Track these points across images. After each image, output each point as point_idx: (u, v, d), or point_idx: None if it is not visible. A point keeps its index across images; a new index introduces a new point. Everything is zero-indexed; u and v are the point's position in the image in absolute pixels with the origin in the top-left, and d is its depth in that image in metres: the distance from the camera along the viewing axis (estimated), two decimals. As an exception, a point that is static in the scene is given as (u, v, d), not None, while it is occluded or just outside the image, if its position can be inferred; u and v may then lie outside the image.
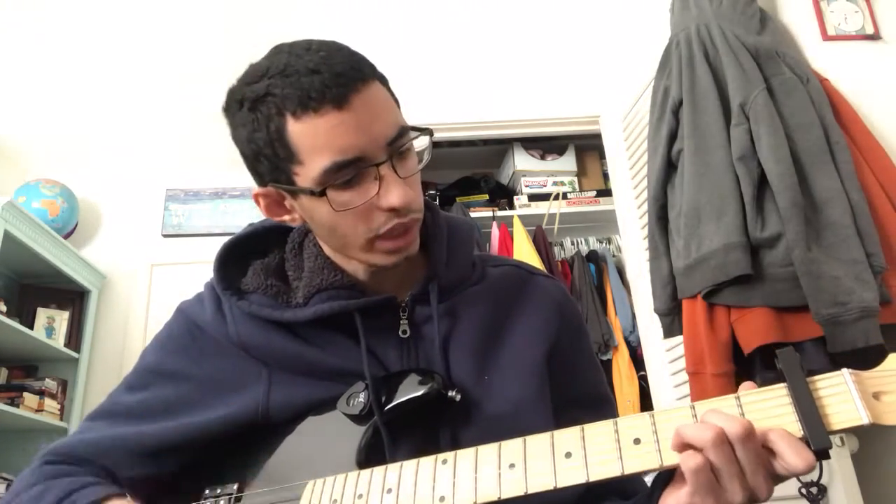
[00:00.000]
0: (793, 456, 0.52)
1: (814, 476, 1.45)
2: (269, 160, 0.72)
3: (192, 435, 0.77)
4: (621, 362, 2.91)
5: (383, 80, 0.75)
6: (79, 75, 2.82)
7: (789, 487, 1.47)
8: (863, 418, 0.51)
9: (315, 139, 0.68)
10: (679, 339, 1.83)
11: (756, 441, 0.53)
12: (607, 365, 2.90)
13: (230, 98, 0.74)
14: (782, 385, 0.55)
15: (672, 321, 1.79)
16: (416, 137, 0.75)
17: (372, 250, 0.75)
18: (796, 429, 0.53)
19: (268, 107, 0.69)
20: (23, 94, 2.92)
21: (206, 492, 0.76)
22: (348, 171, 0.69)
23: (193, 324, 0.83)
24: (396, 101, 0.76)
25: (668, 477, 0.61)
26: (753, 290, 1.55)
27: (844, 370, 0.53)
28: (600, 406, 0.86)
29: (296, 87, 0.68)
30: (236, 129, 0.74)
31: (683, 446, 0.54)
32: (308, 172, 0.70)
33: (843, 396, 0.52)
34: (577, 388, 0.85)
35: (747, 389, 0.57)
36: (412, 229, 0.75)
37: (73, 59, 2.74)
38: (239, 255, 0.86)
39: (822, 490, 1.44)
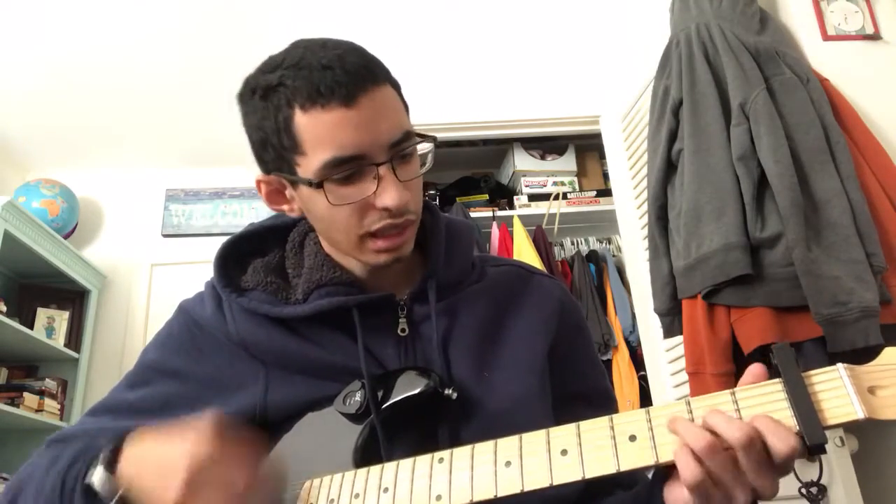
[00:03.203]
0: (777, 442, 0.52)
1: (814, 476, 1.44)
2: (274, 149, 0.74)
3: None
4: (621, 362, 2.91)
5: (395, 86, 0.76)
6: (79, 75, 2.83)
7: (789, 487, 1.47)
8: (858, 413, 0.51)
9: (319, 133, 0.70)
10: (679, 339, 1.83)
11: (758, 445, 0.53)
12: (607, 365, 2.90)
13: (245, 86, 0.76)
14: (778, 380, 0.55)
15: (672, 321, 1.79)
16: (420, 143, 0.76)
17: (363, 248, 0.76)
18: (792, 424, 0.53)
19: (278, 97, 0.72)
20: (23, 93, 2.92)
21: None
22: (348, 168, 0.71)
23: (194, 322, 0.84)
24: (406, 108, 0.78)
25: (667, 470, 0.60)
26: (753, 290, 1.55)
27: (840, 365, 0.53)
28: (601, 402, 0.87)
29: (307, 80, 0.70)
30: (247, 116, 0.76)
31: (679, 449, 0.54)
32: (309, 164, 0.72)
33: (838, 391, 0.53)
34: (577, 384, 0.86)
35: (750, 377, 0.57)
36: (406, 231, 0.76)
37: (74, 59, 2.74)
38: (239, 255, 0.87)
39: (822, 490, 1.44)
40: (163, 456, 0.63)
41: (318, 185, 0.71)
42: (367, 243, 0.75)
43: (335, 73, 0.69)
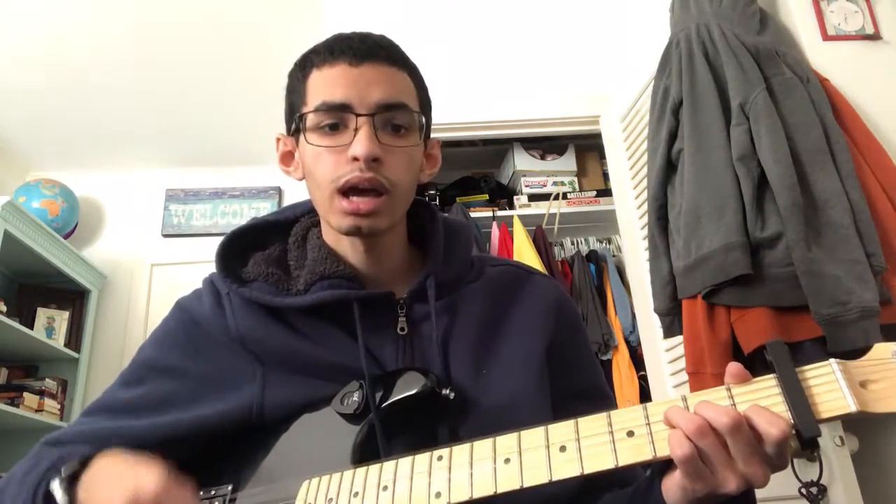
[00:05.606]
0: (765, 425, 0.53)
1: (814, 476, 1.44)
2: (291, 108, 0.84)
3: (187, 430, 0.77)
4: (621, 362, 2.91)
5: (415, 80, 0.84)
6: (79, 75, 2.83)
7: (789, 487, 1.47)
8: (850, 406, 0.53)
9: (320, 83, 0.79)
10: (679, 339, 1.83)
11: (745, 431, 0.54)
12: (607, 365, 2.89)
13: None
14: (772, 376, 0.56)
15: (672, 321, 1.79)
16: (410, 114, 0.80)
17: (333, 207, 0.78)
18: (787, 418, 0.54)
19: (304, 62, 0.82)
20: (23, 93, 2.92)
21: (201, 493, 0.76)
22: (333, 115, 0.77)
23: (191, 319, 0.84)
24: (422, 103, 0.84)
25: (665, 465, 0.61)
26: (753, 290, 1.55)
27: (832, 360, 0.55)
28: (598, 399, 0.87)
29: (327, 45, 0.80)
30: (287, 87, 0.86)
31: (672, 430, 0.56)
32: (305, 112, 0.78)
33: (831, 386, 0.54)
34: (575, 383, 0.86)
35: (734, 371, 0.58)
36: (377, 201, 0.76)
37: (74, 59, 2.74)
38: (240, 248, 0.87)
39: (822, 490, 1.44)
40: (111, 485, 0.64)
41: (301, 118, 0.78)
42: (336, 202, 0.77)
43: (352, 41, 0.79)
